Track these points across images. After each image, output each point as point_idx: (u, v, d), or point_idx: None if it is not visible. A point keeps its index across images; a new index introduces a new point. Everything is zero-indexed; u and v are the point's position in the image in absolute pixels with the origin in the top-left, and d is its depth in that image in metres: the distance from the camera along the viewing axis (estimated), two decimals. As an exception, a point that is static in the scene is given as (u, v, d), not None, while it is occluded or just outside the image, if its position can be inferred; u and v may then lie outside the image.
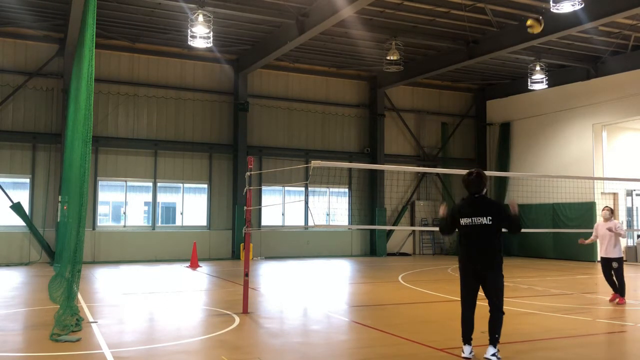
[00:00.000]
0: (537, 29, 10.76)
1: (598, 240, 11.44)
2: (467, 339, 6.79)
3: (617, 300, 11.08)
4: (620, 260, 11.12)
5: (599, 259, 11.72)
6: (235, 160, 22.23)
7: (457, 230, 7.01)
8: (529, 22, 10.63)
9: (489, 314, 6.71)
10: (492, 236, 6.70)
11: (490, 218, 6.68)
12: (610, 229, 11.06)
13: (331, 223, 24.23)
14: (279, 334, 8.37)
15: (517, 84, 25.10)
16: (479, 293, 6.87)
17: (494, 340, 6.58)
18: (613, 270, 11.11)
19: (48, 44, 19.99)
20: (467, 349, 6.75)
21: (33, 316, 9.44)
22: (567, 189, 20.07)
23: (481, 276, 6.76)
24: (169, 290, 12.93)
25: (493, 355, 6.48)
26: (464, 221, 6.79)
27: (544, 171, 23.27)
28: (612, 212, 11.47)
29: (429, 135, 26.59)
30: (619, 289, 11.09)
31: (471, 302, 6.82)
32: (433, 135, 26.69)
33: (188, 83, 22.10)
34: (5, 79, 19.52)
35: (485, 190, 6.90)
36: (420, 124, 26.41)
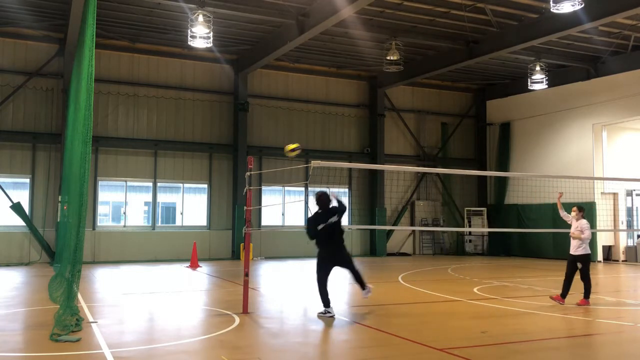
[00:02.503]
0: None
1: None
2: (328, 302, 9.38)
3: (578, 301, 10.80)
4: (585, 260, 10.82)
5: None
6: (235, 160, 22.22)
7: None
8: None
9: (352, 274, 9.66)
10: (339, 228, 9.57)
11: (337, 216, 9.54)
12: (573, 233, 10.85)
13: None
14: (279, 334, 8.37)
15: (517, 84, 25.09)
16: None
17: (364, 283, 9.74)
18: (579, 270, 10.84)
19: (48, 44, 19.99)
20: (332, 309, 9.40)
21: (33, 316, 9.45)
22: (567, 189, 20.02)
23: (336, 257, 9.51)
24: (169, 290, 12.93)
25: (368, 291, 9.74)
26: (321, 226, 9.40)
27: (544, 171, 23.26)
28: (579, 211, 10.96)
29: (429, 135, 26.59)
30: (585, 290, 10.82)
31: (328, 277, 9.51)
32: (433, 135, 26.69)
33: (188, 83, 22.10)
34: (5, 79, 19.52)
35: (330, 204, 9.58)
36: (420, 124, 26.41)
